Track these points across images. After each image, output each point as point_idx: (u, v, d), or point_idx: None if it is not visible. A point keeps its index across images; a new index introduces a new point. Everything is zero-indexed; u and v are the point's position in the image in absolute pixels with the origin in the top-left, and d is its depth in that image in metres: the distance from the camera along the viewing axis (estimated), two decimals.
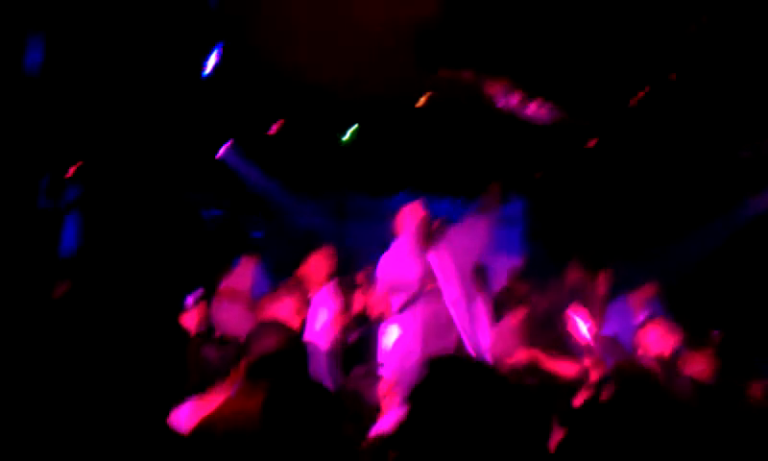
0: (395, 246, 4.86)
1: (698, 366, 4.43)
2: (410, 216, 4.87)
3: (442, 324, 4.76)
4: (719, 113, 6.36)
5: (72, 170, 7.10)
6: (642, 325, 5.05)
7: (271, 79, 6.52)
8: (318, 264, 6.46)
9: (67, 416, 2.49)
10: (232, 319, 6.29)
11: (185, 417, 3.47)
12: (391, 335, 4.98)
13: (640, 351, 4.74)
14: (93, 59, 5.46)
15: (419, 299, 4.79)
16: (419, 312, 4.79)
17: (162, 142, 7.28)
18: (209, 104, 6.70)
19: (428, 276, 4.84)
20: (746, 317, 7.15)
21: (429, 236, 4.90)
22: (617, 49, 3.49)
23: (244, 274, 6.63)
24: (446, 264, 4.85)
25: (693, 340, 4.83)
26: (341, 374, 5.75)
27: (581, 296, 6.88)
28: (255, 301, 6.21)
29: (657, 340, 4.73)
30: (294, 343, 3.30)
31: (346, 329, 6.52)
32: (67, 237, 7.34)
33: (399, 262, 4.74)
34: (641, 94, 3.57)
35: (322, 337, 5.33)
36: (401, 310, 4.82)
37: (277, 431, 2.58)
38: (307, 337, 4.97)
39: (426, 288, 4.83)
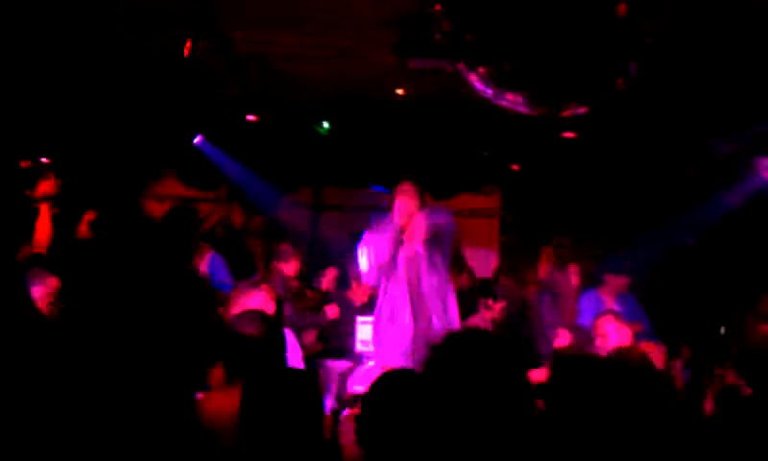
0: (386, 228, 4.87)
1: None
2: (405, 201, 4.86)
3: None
4: (695, 107, 6.45)
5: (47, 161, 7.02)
6: (600, 314, 5.12)
7: (249, 69, 6.49)
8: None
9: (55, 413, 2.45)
10: None
11: None
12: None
13: (599, 341, 4.80)
14: (71, 46, 5.41)
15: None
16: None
17: (138, 131, 7.23)
18: (186, 93, 6.65)
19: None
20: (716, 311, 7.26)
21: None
22: (594, 38, 3.50)
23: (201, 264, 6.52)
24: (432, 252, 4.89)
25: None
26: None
27: (554, 288, 6.96)
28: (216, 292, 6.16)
29: (612, 330, 4.80)
30: (274, 331, 3.29)
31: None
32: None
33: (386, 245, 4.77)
34: (618, 87, 3.59)
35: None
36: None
37: (258, 428, 2.54)
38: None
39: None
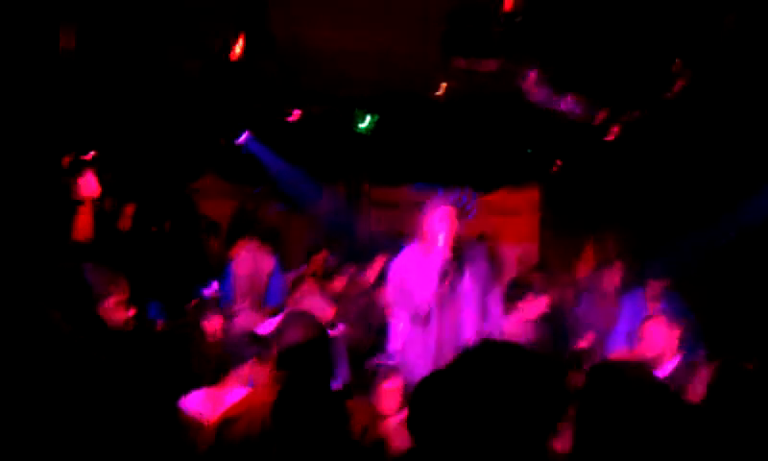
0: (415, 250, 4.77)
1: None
2: (437, 216, 4.73)
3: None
4: (737, 109, 6.33)
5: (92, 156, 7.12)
6: (647, 318, 5.06)
7: (292, 66, 6.53)
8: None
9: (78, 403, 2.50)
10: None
11: (198, 403, 3.54)
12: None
13: (644, 345, 4.75)
14: (117, 44, 5.48)
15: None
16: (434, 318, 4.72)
17: (180, 130, 7.31)
18: (229, 91, 6.71)
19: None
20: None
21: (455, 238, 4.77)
22: (644, 42, 3.47)
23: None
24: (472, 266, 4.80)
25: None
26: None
27: (594, 288, 6.90)
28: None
29: (661, 334, 4.75)
30: (321, 335, 3.33)
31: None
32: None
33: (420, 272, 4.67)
34: (674, 90, 3.56)
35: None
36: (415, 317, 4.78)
37: (285, 428, 2.64)
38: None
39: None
